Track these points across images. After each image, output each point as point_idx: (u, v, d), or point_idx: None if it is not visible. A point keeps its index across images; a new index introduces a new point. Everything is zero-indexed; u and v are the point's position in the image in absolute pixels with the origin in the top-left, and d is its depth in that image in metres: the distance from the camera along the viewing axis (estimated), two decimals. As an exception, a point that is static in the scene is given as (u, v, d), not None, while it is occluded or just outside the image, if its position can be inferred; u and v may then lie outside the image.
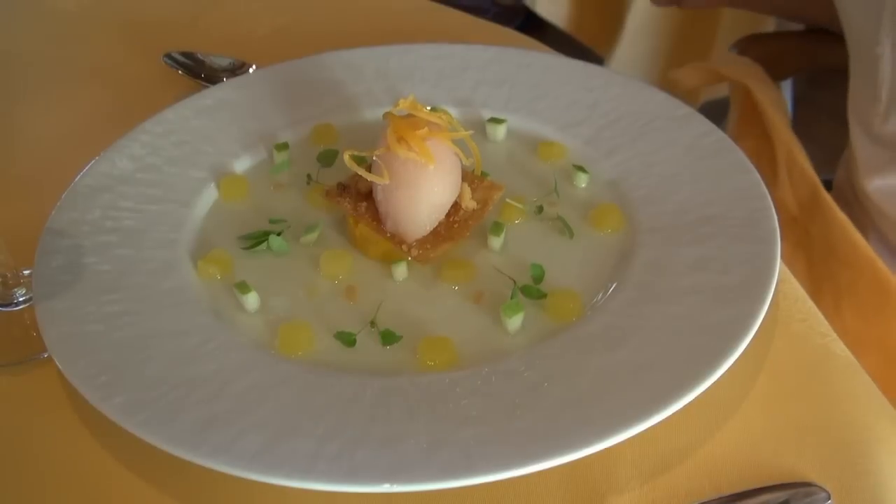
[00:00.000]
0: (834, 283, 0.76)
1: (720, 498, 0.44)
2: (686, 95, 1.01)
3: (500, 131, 0.67)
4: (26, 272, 0.56)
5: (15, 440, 0.49)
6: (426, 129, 0.55)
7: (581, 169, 0.63)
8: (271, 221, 0.60)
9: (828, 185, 0.88)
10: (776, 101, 0.89)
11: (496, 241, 0.58)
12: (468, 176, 0.60)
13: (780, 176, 0.83)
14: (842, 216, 0.76)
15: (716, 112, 0.77)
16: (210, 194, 0.63)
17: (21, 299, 0.56)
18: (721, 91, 1.07)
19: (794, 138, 0.85)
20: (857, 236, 0.75)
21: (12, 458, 0.49)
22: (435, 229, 0.57)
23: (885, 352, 0.70)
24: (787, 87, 1.32)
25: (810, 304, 0.54)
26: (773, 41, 1.06)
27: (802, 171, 0.82)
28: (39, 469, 0.48)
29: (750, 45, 1.05)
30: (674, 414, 0.45)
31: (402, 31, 0.86)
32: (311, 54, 0.76)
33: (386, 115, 0.57)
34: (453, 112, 0.68)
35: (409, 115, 0.56)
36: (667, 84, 0.90)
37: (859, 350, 0.52)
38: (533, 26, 2.11)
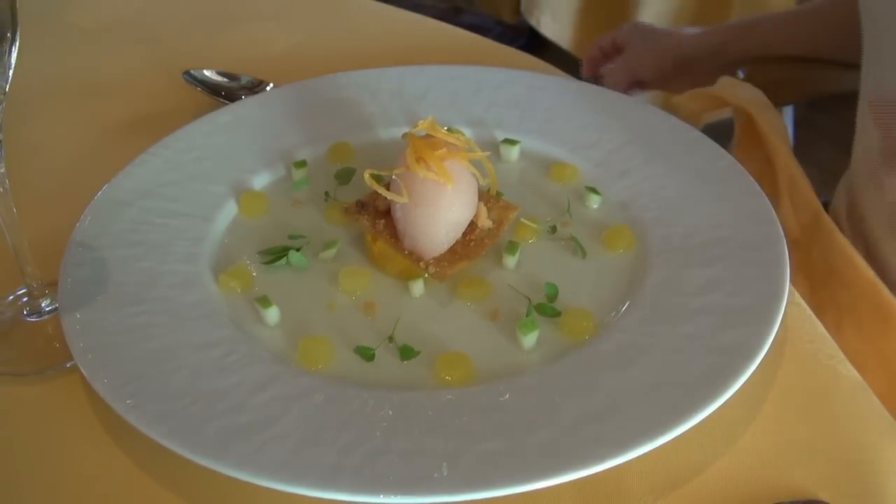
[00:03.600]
0: (835, 305, 0.77)
1: (731, 514, 0.46)
2: (688, 118, 1.02)
3: (513, 152, 0.69)
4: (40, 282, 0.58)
5: (38, 447, 0.50)
6: (445, 149, 0.56)
7: (593, 190, 0.64)
8: (290, 237, 0.62)
9: (826, 207, 0.89)
10: (777, 127, 0.91)
11: (511, 260, 0.59)
12: (484, 196, 0.61)
13: (782, 199, 0.85)
14: (843, 239, 0.78)
15: (717, 134, 0.79)
16: (230, 209, 0.64)
17: (47, 310, 0.57)
18: (723, 113, 1.09)
19: (796, 163, 0.87)
20: (858, 258, 0.76)
21: (35, 466, 0.49)
22: (452, 247, 0.58)
23: (887, 372, 0.71)
24: (788, 111, 1.34)
25: (819, 325, 0.56)
26: (774, 67, 1.07)
27: (804, 195, 0.83)
28: (62, 476, 0.49)
29: (752, 72, 1.07)
30: (685, 431, 0.46)
31: (412, 51, 0.87)
32: (324, 72, 0.77)
33: (405, 135, 0.58)
34: (466, 132, 0.70)
35: (428, 136, 0.57)
36: (668, 109, 0.91)
37: (861, 370, 0.53)
38: (536, 46, 2.13)
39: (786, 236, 0.58)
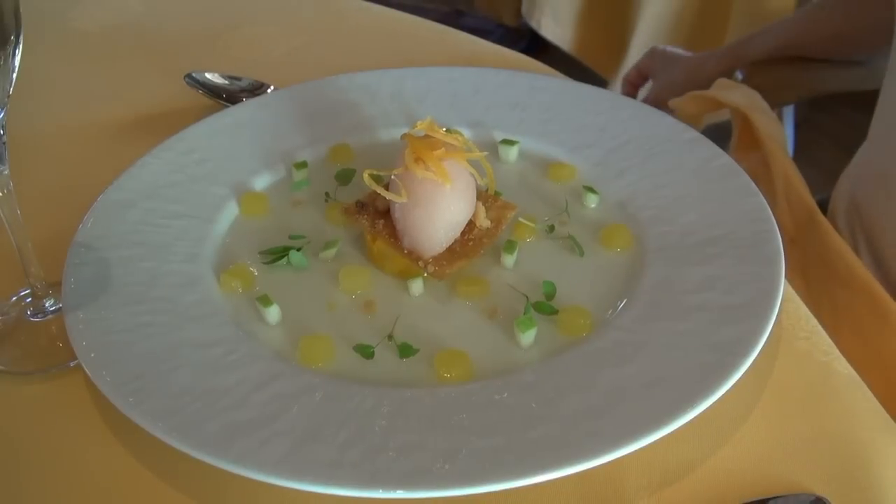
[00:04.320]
0: (832, 303, 0.78)
1: (726, 508, 0.46)
2: (688, 120, 1.04)
3: (512, 153, 0.69)
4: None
5: (42, 445, 0.51)
6: (443, 149, 0.57)
7: (591, 190, 0.65)
8: (291, 237, 0.62)
9: (824, 205, 0.90)
10: (773, 129, 0.91)
11: (509, 259, 0.59)
12: (482, 195, 0.62)
13: (779, 199, 0.85)
14: (838, 238, 0.78)
15: (718, 135, 0.79)
16: (231, 210, 0.65)
17: (50, 310, 0.58)
18: (724, 115, 1.10)
19: (792, 164, 0.88)
20: (854, 258, 0.76)
21: (39, 463, 0.50)
22: (450, 247, 0.58)
23: (884, 370, 0.72)
24: (788, 111, 1.35)
25: (814, 322, 0.56)
26: (776, 69, 1.08)
27: (799, 196, 0.84)
28: (66, 473, 0.49)
29: (754, 72, 1.08)
30: (681, 427, 0.46)
31: (413, 54, 0.88)
32: (324, 75, 0.78)
33: (404, 135, 0.59)
34: (466, 133, 0.70)
35: (427, 136, 0.58)
36: (667, 112, 0.92)
37: (858, 368, 0.54)
38: (537, 48, 2.14)
39: (782, 235, 0.58)
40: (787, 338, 0.55)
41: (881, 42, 0.83)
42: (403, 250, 0.58)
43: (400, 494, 0.44)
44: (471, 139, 0.69)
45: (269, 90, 0.80)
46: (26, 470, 0.50)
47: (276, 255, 0.60)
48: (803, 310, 0.57)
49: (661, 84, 1.12)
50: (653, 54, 1.15)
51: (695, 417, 0.47)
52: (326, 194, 0.67)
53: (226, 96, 0.79)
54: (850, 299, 0.75)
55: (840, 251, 0.77)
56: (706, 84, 1.02)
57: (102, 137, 0.78)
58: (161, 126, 0.72)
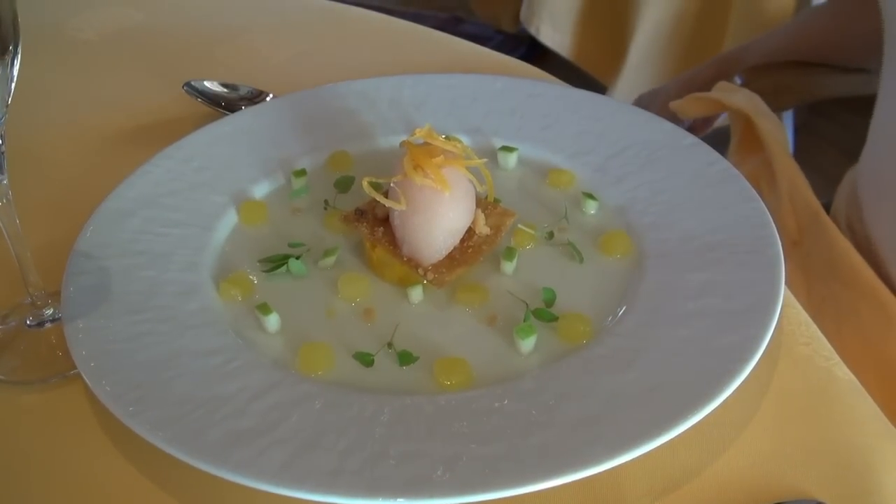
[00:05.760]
0: (835, 305, 0.78)
1: (727, 515, 0.46)
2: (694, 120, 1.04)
3: (511, 159, 0.70)
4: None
5: (42, 455, 0.51)
6: (442, 156, 0.57)
7: (590, 196, 0.65)
8: (290, 245, 0.62)
9: (826, 209, 0.90)
10: (775, 131, 0.92)
11: (509, 266, 0.59)
12: (482, 202, 0.61)
13: (783, 201, 0.85)
14: (843, 239, 0.78)
15: (716, 141, 0.79)
16: (230, 218, 0.65)
17: (50, 319, 0.58)
18: (721, 120, 1.10)
19: (795, 165, 0.87)
20: (858, 259, 0.76)
21: (40, 473, 0.50)
22: (450, 254, 0.58)
23: (886, 373, 0.72)
24: (788, 116, 1.35)
25: (814, 328, 0.56)
26: (776, 73, 1.08)
27: (804, 197, 0.84)
28: (66, 483, 0.49)
29: (753, 77, 1.08)
30: (682, 433, 0.46)
31: (411, 61, 0.88)
32: (324, 83, 0.78)
33: (403, 143, 0.59)
34: (465, 140, 0.70)
35: (426, 144, 0.58)
36: (666, 113, 0.92)
37: (860, 371, 0.54)
38: (536, 54, 2.14)
39: (786, 238, 0.58)
40: (788, 343, 0.55)
41: (874, 51, 0.83)
42: (403, 258, 0.58)
43: (400, 502, 0.44)
44: (470, 146, 0.68)
45: (267, 98, 0.80)
46: (26, 480, 0.50)
47: (276, 263, 0.60)
48: (803, 315, 0.57)
49: (657, 109, 1.11)
50: (638, 98, 1.16)
51: (696, 424, 0.46)
52: (326, 202, 0.67)
53: (225, 104, 0.79)
54: (854, 301, 0.75)
55: (845, 252, 0.76)
56: (700, 91, 1.03)
57: (101, 146, 0.78)
58: (160, 134, 0.72)
